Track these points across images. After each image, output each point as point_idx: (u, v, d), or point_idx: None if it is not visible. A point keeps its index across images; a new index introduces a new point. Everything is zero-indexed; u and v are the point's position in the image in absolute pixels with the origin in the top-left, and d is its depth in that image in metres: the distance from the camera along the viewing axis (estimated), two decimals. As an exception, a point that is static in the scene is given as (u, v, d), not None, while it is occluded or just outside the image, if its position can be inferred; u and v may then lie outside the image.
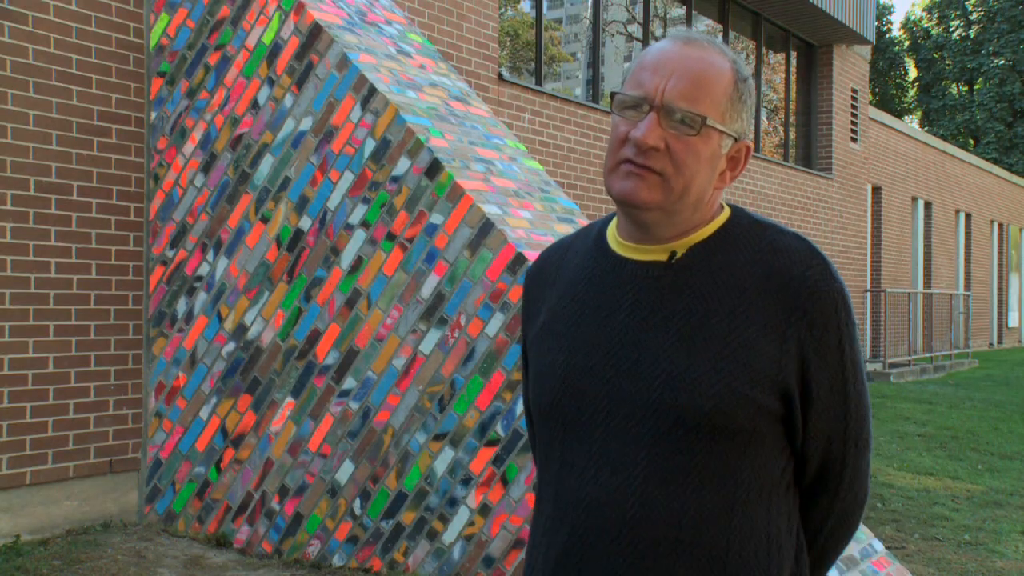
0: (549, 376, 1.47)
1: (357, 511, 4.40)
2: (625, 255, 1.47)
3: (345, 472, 4.43)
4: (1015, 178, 25.03)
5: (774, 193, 12.15)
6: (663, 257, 1.44)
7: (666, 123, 1.37)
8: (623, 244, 1.48)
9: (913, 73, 39.08)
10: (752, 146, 1.48)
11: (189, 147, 5.05)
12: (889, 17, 38.18)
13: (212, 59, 4.98)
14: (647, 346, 1.40)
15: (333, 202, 4.54)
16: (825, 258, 1.42)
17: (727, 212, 1.48)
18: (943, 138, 33.26)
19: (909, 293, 16.64)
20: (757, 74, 12.57)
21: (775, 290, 1.38)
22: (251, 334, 4.76)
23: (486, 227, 4.17)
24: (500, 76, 7.70)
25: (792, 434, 1.41)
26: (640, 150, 1.38)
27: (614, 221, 1.52)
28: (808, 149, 13.69)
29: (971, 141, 35.94)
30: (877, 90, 37.91)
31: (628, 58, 10.61)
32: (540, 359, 1.51)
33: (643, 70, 1.41)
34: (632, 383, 1.39)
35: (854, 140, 14.39)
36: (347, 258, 4.49)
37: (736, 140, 1.43)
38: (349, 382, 4.45)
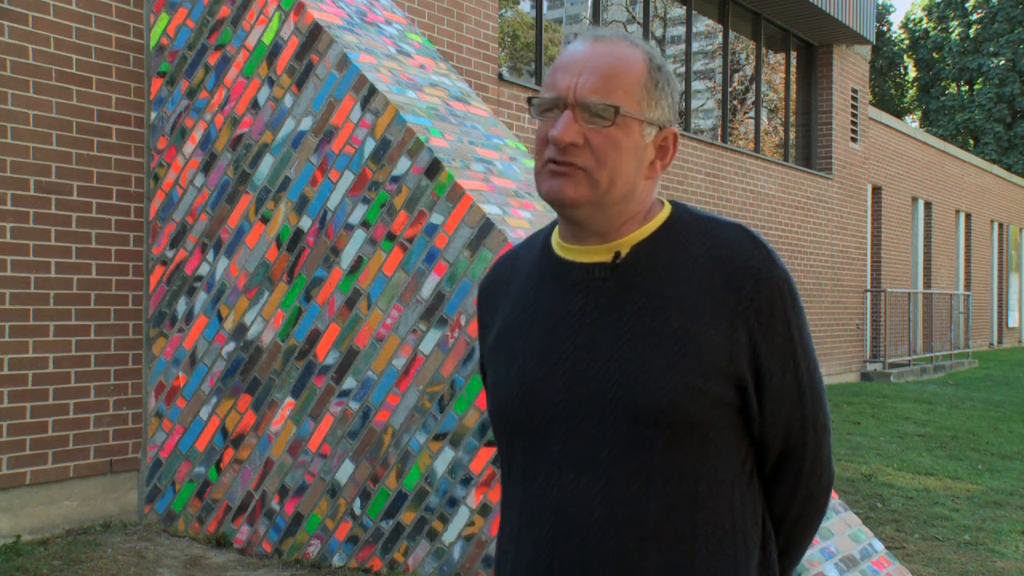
0: (506, 387, 1.48)
1: (357, 511, 4.40)
2: (570, 258, 1.48)
3: (345, 472, 4.43)
4: (1015, 178, 25.03)
5: (774, 193, 12.15)
6: (607, 257, 1.45)
7: (582, 118, 1.39)
8: (566, 247, 1.49)
9: (913, 73, 39.08)
10: (678, 132, 1.49)
11: (189, 147, 5.05)
12: (889, 17, 38.18)
13: (212, 59, 4.98)
14: (600, 348, 1.40)
15: (333, 202, 4.54)
16: (767, 246, 1.44)
17: (668, 209, 1.49)
18: (943, 138, 33.26)
19: (909, 293, 16.64)
20: (757, 74, 12.57)
21: (720, 281, 1.40)
22: (251, 334, 4.76)
23: (486, 227, 4.17)
24: (500, 76, 7.70)
25: (750, 423, 1.42)
26: (559, 148, 1.40)
27: (558, 227, 1.52)
28: (808, 149, 13.69)
29: (971, 141, 35.94)
30: (877, 90, 37.91)
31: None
32: (497, 371, 1.52)
33: (556, 72, 1.43)
34: (588, 385, 1.39)
35: (854, 140, 14.39)
36: (347, 258, 4.49)
37: (660, 129, 1.44)
38: (349, 382, 4.45)
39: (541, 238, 1.56)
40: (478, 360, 1.64)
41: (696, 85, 11.81)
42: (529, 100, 1.46)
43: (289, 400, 4.62)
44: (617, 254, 1.44)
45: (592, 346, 1.41)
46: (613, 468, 1.37)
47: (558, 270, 1.48)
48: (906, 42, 38.51)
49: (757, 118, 12.52)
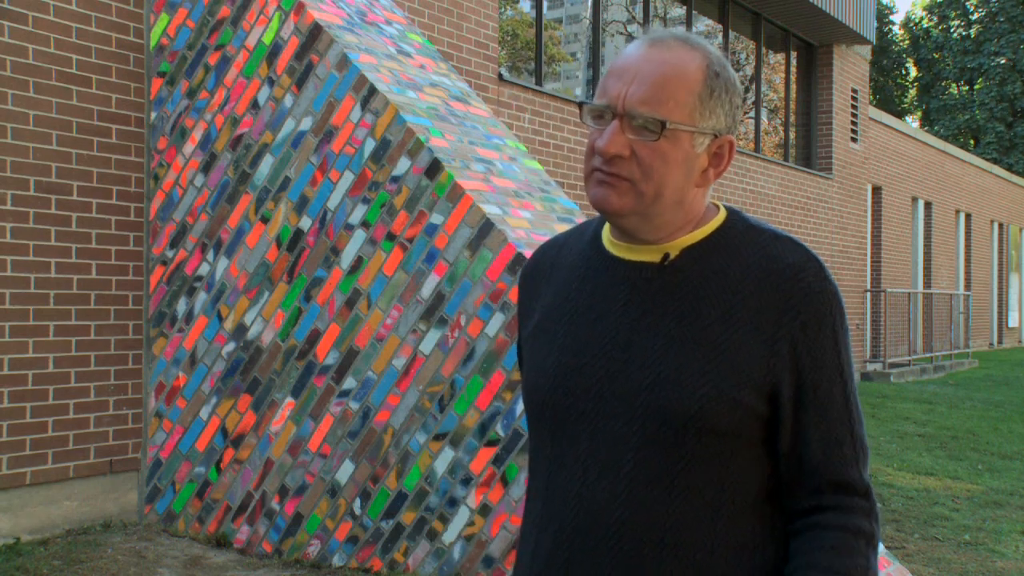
0: (541, 375, 1.47)
1: (357, 511, 4.40)
2: (618, 255, 1.46)
3: (345, 472, 4.43)
4: (1015, 178, 25.03)
5: (774, 193, 12.15)
6: (656, 258, 1.43)
7: (629, 130, 1.37)
8: (616, 244, 1.47)
9: (913, 73, 39.07)
10: (735, 140, 1.45)
11: (189, 147, 5.05)
12: (890, 17, 38.18)
13: (212, 59, 4.99)
14: (637, 348, 1.39)
15: (333, 202, 4.54)
16: (820, 261, 1.41)
17: (722, 215, 1.46)
18: (943, 138, 33.26)
19: (909, 293, 16.64)
20: (757, 74, 12.57)
21: (768, 292, 1.38)
22: (251, 334, 4.76)
23: (486, 227, 4.17)
24: (500, 76, 7.70)
25: (781, 438, 1.40)
26: (604, 159, 1.38)
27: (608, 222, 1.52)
28: (808, 149, 13.69)
29: (971, 141, 35.93)
30: (878, 90, 37.90)
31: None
32: (533, 358, 1.51)
33: (609, 77, 1.41)
34: (621, 384, 1.39)
35: (854, 140, 14.39)
36: (347, 258, 4.49)
37: (716, 136, 1.41)
38: (349, 382, 4.45)
39: (591, 229, 1.54)
40: (517, 348, 1.63)
41: (696, 85, 11.78)
42: (580, 105, 1.43)
43: (289, 400, 4.62)
44: (666, 255, 1.42)
45: (629, 345, 1.40)
46: (636, 471, 1.36)
47: (605, 264, 1.47)
48: (906, 42, 38.50)
49: (757, 118, 12.52)
